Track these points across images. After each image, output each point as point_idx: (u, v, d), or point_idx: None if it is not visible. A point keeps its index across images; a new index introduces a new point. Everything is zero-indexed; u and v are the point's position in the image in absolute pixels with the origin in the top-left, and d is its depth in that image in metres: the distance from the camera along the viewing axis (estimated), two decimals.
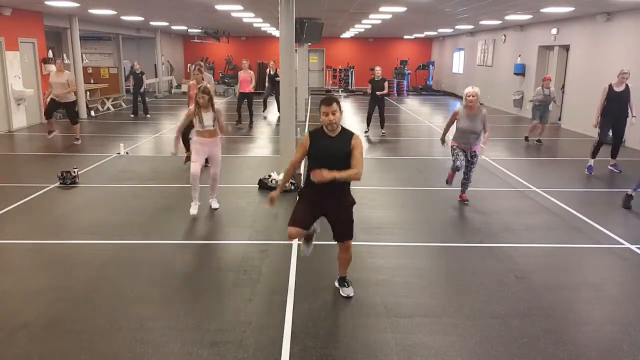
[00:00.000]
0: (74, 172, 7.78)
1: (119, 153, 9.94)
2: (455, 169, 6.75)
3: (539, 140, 11.70)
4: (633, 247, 5.52)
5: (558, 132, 13.72)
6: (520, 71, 16.73)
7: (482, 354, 3.59)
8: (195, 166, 6.30)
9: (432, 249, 5.52)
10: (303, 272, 4.79)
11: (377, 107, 12.45)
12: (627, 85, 8.47)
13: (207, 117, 6.21)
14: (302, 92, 16.35)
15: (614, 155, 8.85)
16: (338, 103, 3.95)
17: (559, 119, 14.84)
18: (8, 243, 5.55)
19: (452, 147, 6.84)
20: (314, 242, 4.50)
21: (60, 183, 7.68)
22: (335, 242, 4.31)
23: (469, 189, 7.06)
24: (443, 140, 7.16)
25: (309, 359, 3.48)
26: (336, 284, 4.47)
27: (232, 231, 6.08)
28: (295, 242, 5.49)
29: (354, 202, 4.18)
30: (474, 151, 6.70)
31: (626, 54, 11.44)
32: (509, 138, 12.04)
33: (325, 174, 3.77)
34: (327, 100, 3.94)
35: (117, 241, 5.58)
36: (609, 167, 8.93)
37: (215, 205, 6.68)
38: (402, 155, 10.43)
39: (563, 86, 14.66)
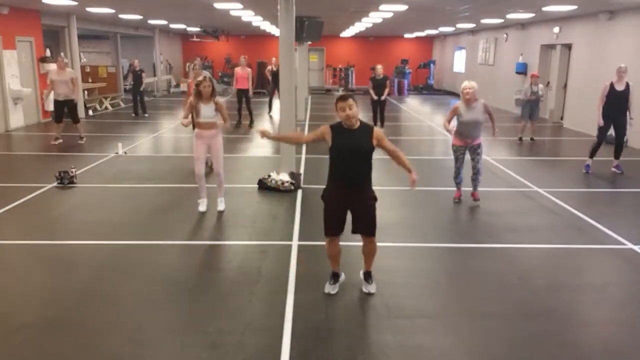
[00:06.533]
0: (72, 172, 7.72)
1: (117, 153, 9.89)
2: (457, 172, 6.86)
3: (532, 139, 11.71)
4: (636, 247, 5.46)
5: (560, 131, 13.67)
6: (522, 70, 16.67)
7: (484, 355, 3.54)
8: (199, 166, 6.26)
9: (433, 250, 5.47)
10: (303, 273, 4.74)
11: (379, 107, 12.52)
12: (627, 84, 8.39)
13: (207, 109, 6.09)
14: (302, 91, 16.30)
15: (617, 155, 8.76)
16: (353, 98, 4.06)
17: (561, 118, 14.80)
18: (5, 244, 5.49)
19: (453, 146, 6.81)
20: (339, 284, 4.44)
21: (58, 183, 7.62)
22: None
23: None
24: (447, 129, 7.04)
25: None
26: (361, 275, 4.46)
27: (232, 232, 6.03)
28: (294, 243, 5.47)
29: (376, 198, 4.21)
30: (478, 144, 6.68)
31: (629, 53, 11.37)
32: (511, 137, 11.99)
33: (415, 176, 4.21)
34: (342, 97, 4.06)
35: (116, 242, 5.53)
36: (612, 168, 8.84)
37: (221, 207, 6.50)
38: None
39: (565, 85, 14.62)
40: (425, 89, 26.09)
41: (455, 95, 23.89)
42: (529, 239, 5.72)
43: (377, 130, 4.11)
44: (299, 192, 7.32)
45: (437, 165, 9.29)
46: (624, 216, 6.61)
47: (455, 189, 7.03)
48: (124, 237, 5.66)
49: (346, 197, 4.11)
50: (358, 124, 4.06)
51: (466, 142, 6.68)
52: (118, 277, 4.69)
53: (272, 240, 5.66)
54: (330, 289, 4.36)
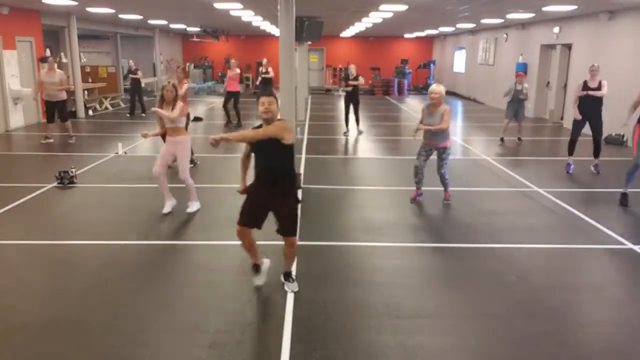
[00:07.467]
0: (72, 172, 7.71)
1: (117, 153, 9.88)
2: (415, 170, 6.87)
3: (519, 139, 11.71)
4: (635, 247, 5.46)
5: (560, 131, 13.67)
6: (522, 70, 16.65)
7: (484, 355, 3.54)
8: (155, 167, 6.29)
9: (433, 250, 5.47)
10: (303, 273, 4.74)
11: (352, 106, 12.30)
12: (600, 82, 8.35)
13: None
14: (302, 91, 16.29)
15: (595, 154, 8.70)
16: (274, 96, 4.16)
17: (561, 118, 14.79)
18: (5, 244, 5.49)
19: (420, 145, 6.89)
20: (264, 273, 4.48)
21: (58, 183, 7.62)
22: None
23: (453, 187, 7.04)
24: (416, 131, 7.06)
25: None
26: (281, 278, 4.48)
27: (231, 232, 5.98)
28: None
29: (298, 200, 4.29)
30: (442, 147, 6.70)
31: (629, 53, 11.37)
32: (510, 137, 11.98)
33: (213, 138, 3.98)
34: (265, 93, 4.19)
35: (116, 242, 5.53)
36: (591, 167, 8.81)
37: (190, 209, 6.44)
38: (403, 155, 10.37)
39: (565, 85, 14.62)
40: (425, 89, 26.00)
41: (455, 95, 23.90)
42: (528, 239, 5.72)
43: (280, 122, 4.08)
44: (299, 192, 7.30)
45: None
46: (624, 216, 6.61)
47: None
48: (124, 237, 5.66)
49: (268, 196, 4.18)
50: (275, 122, 4.09)
51: (429, 143, 6.74)
52: (117, 277, 4.69)
53: (272, 240, 5.63)
54: (256, 279, 4.43)
